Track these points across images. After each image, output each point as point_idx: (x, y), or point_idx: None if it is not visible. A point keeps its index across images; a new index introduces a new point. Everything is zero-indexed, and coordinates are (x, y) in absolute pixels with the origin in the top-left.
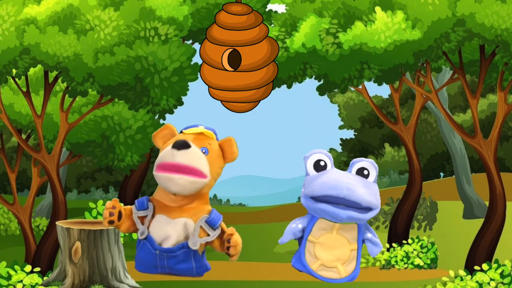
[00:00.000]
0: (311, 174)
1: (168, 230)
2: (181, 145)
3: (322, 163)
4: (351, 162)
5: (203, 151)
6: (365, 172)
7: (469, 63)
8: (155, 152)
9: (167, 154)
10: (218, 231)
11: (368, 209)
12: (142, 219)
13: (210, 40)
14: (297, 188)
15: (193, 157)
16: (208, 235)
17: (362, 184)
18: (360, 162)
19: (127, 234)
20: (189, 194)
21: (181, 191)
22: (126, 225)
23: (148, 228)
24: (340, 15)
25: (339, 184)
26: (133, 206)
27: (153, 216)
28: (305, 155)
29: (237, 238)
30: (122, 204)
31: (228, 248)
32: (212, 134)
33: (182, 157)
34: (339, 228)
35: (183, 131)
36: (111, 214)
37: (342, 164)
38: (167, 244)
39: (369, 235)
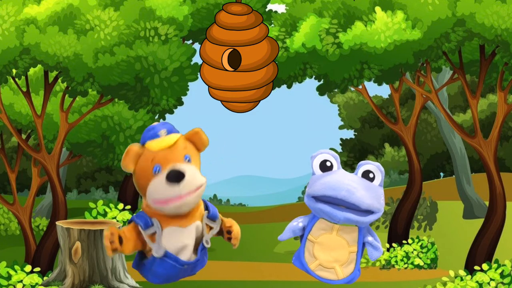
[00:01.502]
0: (316, 173)
1: (184, 240)
2: (179, 177)
3: (328, 164)
4: (357, 165)
5: (187, 160)
6: (371, 175)
7: (469, 63)
8: None
9: (167, 190)
10: (219, 221)
11: (368, 212)
12: (151, 236)
13: (210, 40)
14: (297, 188)
15: (192, 179)
16: (211, 228)
17: (365, 187)
18: (365, 165)
19: None
20: None
21: (192, 207)
22: (130, 247)
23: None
24: (340, 15)
25: (339, 185)
26: (137, 226)
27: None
28: (312, 154)
29: (236, 229)
30: (123, 223)
31: (229, 239)
32: (177, 135)
33: (187, 188)
34: (338, 229)
35: (147, 144)
36: (111, 242)
37: (342, 164)
38: (186, 253)
39: (370, 238)
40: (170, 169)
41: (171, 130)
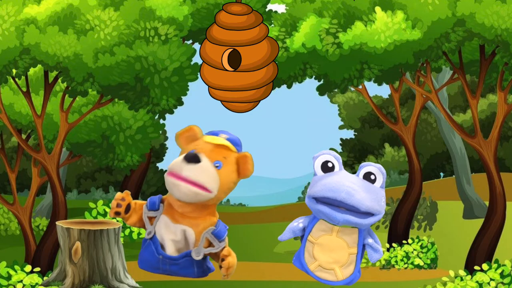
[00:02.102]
0: (318, 174)
1: (167, 233)
2: (191, 159)
3: (330, 165)
4: (359, 166)
5: (216, 165)
6: (372, 177)
7: (469, 63)
8: (155, 152)
9: (177, 164)
10: (223, 244)
11: (368, 214)
12: (151, 219)
13: (210, 40)
14: (297, 188)
15: (200, 172)
16: (212, 246)
17: (365, 189)
18: (367, 167)
19: (127, 234)
20: (191, 203)
21: (182, 198)
22: (133, 220)
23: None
24: (340, 15)
25: (339, 187)
26: (144, 205)
27: None
28: (314, 155)
29: (231, 260)
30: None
31: (220, 267)
32: (231, 146)
33: (189, 172)
34: (338, 231)
35: (205, 136)
36: (118, 205)
37: (343, 164)
38: (167, 249)
39: (370, 240)
40: (193, 151)
41: (232, 140)
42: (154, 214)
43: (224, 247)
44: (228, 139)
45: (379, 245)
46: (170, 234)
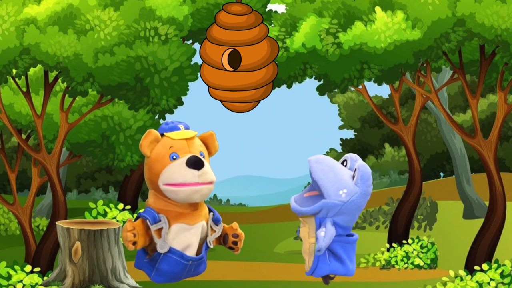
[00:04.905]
0: None
1: (190, 238)
2: (199, 165)
3: (345, 163)
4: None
5: (202, 156)
6: (345, 163)
7: (469, 63)
8: None
9: (186, 175)
10: (221, 226)
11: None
12: (157, 232)
13: (210, 40)
14: (297, 188)
15: (209, 172)
16: (214, 231)
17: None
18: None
19: None
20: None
21: (202, 199)
22: (142, 242)
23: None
24: (340, 15)
25: None
26: (145, 222)
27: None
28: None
29: (242, 232)
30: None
31: (235, 242)
32: (195, 133)
33: (204, 177)
34: (311, 221)
35: (166, 134)
36: (134, 235)
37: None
38: (190, 251)
39: (319, 231)
40: (191, 155)
41: (187, 127)
42: (159, 226)
43: (223, 227)
44: (185, 128)
45: (323, 239)
46: (193, 237)
